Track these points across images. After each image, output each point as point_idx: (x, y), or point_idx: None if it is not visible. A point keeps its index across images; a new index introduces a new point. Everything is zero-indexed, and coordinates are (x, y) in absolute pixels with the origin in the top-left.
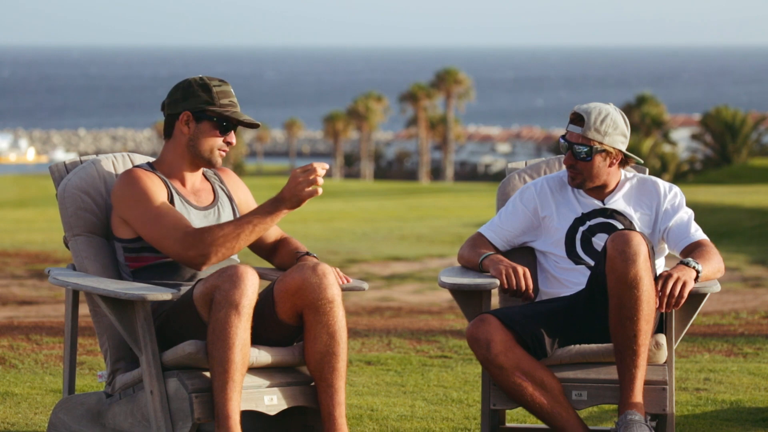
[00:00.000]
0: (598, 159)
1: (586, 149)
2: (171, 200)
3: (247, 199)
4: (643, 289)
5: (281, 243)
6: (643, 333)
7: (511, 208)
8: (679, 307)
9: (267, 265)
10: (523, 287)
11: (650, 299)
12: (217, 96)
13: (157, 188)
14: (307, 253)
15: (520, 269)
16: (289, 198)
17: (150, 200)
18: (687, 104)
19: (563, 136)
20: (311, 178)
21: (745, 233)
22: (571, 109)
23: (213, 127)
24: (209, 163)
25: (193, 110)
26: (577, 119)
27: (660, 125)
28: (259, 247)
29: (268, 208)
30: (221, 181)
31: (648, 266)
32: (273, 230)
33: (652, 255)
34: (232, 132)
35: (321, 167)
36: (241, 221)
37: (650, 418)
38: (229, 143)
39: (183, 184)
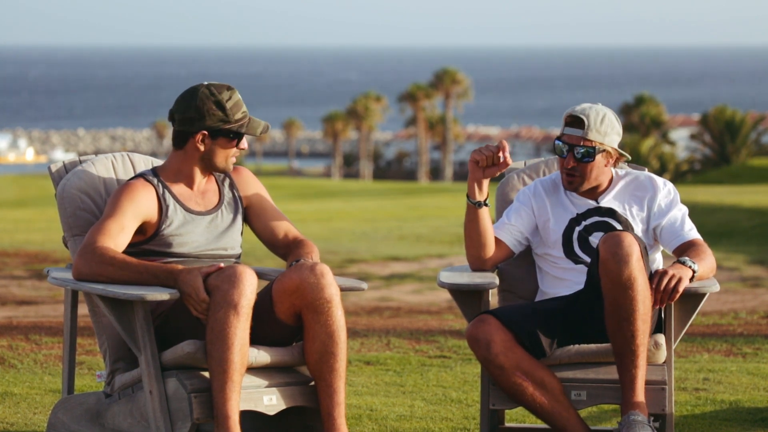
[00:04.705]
0: (599, 159)
1: (588, 150)
2: (164, 214)
3: (260, 197)
4: (638, 289)
5: (299, 245)
6: (640, 333)
7: (515, 207)
8: (673, 301)
9: (265, 264)
10: (494, 153)
11: (646, 299)
12: (232, 112)
13: (132, 205)
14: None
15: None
16: (183, 289)
17: (114, 209)
18: (687, 104)
19: (559, 139)
20: (196, 309)
21: (744, 233)
22: (568, 109)
23: (228, 141)
24: (224, 171)
25: (210, 130)
26: (576, 122)
27: (659, 125)
28: (275, 247)
29: (159, 276)
30: (231, 181)
31: (641, 266)
32: (288, 230)
33: (645, 254)
34: (244, 138)
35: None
36: (132, 269)
37: (653, 418)
38: (241, 149)
39: (190, 186)
